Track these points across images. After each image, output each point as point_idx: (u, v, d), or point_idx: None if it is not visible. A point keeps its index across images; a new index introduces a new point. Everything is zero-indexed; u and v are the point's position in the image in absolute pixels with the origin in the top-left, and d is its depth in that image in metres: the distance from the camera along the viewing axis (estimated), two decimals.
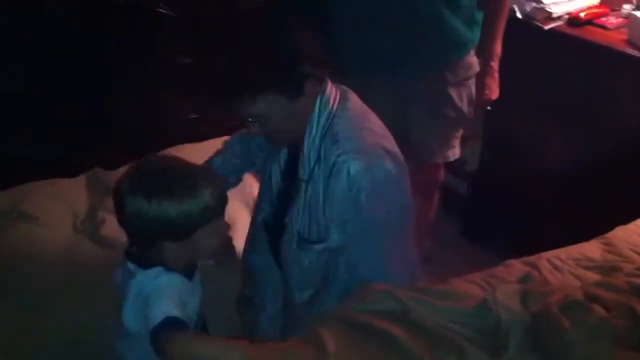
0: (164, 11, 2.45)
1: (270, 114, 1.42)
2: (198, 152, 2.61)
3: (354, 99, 1.49)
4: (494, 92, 1.99)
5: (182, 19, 2.50)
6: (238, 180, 1.81)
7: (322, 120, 1.44)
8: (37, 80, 2.34)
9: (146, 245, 1.38)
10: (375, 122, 1.48)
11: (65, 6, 2.29)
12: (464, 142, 2.74)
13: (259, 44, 1.42)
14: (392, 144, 1.46)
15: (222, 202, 1.38)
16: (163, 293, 1.33)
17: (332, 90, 1.47)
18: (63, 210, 2.36)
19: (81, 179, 2.49)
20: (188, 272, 1.42)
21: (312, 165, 1.44)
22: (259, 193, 1.73)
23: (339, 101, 1.46)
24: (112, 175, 2.52)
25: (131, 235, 1.40)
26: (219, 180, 1.41)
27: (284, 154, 1.57)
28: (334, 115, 1.44)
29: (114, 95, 2.50)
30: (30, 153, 2.42)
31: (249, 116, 1.44)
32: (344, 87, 1.50)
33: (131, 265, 1.41)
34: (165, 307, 1.28)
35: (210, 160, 1.80)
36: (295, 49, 1.43)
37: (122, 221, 1.38)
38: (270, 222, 1.60)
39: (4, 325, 1.93)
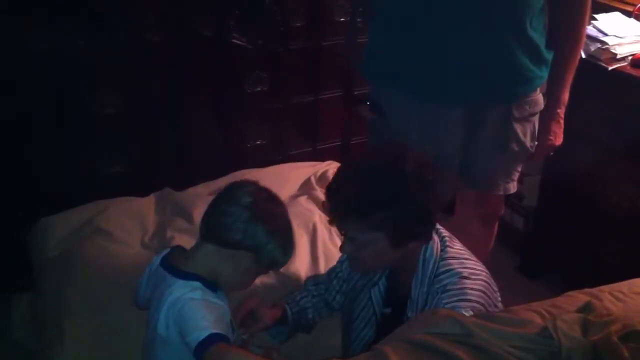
0: (239, 42, 2.57)
1: (368, 246, 1.51)
2: (262, 177, 2.72)
3: (450, 243, 1.59)
4: (558, 138, 2.02)
5: (256, 50, 2.61)
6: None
7: (428, 269, 1.55)
8: (123, 105, 2.48)
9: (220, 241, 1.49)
10: (469, 263, 1.57)
11: (159, 35, 2.44)
12: (521, 178, 2.77)
13: (407, 198, 1.46)
14: (482, 280, 1.55)
15: (276, 266, 1.56)
16: (199, 307, 1.40)
17: (434, 239, 1.57)
18: (133, 227, 2.46)
19: (151, 198, 2.59)
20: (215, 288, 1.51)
21: (419, 309, 1.55)
22: (349, 312, 1.76)
23: (440, 248, 1.57)
24: (180, 196, 2.63)
25: (211, 229, 1.51)
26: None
27: (382, 282, 1.66)
28: (438, 266, 1.54)
29: (187, 120, 2.62)
30: (107, 171, 2.55)
31: (350, 237, 1.53)
32: (440, 230, 1.60)
33: (167, 275, 1.50)
34: (206, 322, 1.37)
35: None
36: (429, 218, 1.51)
37: (215, 219, 1.50)
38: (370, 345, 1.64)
39: (76, 335, 2.01)
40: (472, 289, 1.50)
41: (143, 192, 2.60)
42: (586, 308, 1.42)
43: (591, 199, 2.50)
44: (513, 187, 2.03)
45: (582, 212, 2.55)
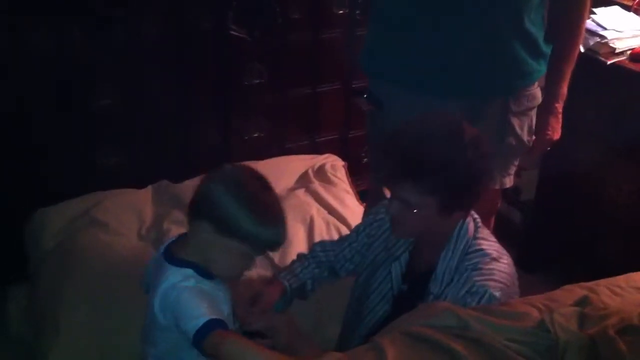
0: (237, 34, 2.56)
1: (416, 209, 1.51)
2: (259, 169, 2.71)
3: (482, 225, 1.62)
4: (556, 133, 2.02)
5: (254, 42, 2.59)
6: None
7: (460, 246, 1.56)
8: (121, 97, 2.48)
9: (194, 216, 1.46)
10: (497, 247, 1.60)
11: (157, 28, 2.44)
12: (518, 172, 2.77)
13: (463, 165, 1.48)
14: (508, 264, 1.58)
15: (271, 249, 1.51)
16: (194, 295, 1.39)
17: (469, 219, 1.59)
18: (130, 218, 2.47)
19: (149, 190, 2.60)
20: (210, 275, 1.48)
21: (444, 284, 1.55)
22: (363, 287, 1.76)
23: (474, 229, 1.59)
24: (178, 188, 2.62)
25: (197, 209, 1.47)
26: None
27: (404, 256, 1.66)
28: (470, 244, 1.56)
29: (185, 112, 2.61)
30: (104, 162, 2.54)
31: (401, 198, 1.52)
32: (474, 214, 1.62)
33: (164, 261, 1.48)
34: (202, 310, 1.36)
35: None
36: (477, 190, 1.54)
37: (202, 206, 1.46)
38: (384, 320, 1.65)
39: (71, 327, 2.02)
40: (500, 271, 1.53)
41: (140, 185, 2.60)
42: (583, 302, 1.43)
43: (588, 194, 2.50)
44: (509, 181, 2.03)
45: (580, 206, 2.55)
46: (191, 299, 1.39)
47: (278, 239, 1.48)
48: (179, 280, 1.42)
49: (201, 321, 1.34)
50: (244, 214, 1.42)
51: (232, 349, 1.31)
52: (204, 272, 1.46)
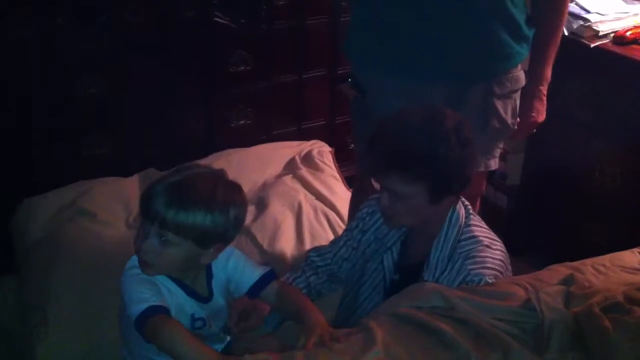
0: (222, 21, 2.55)
1: (406, 199, 1.51)
2: (247, 157, 2.73)
3: (473, 212, 1.63)
4: (540, 115, 2.03)
5: (239, 29, 2.59)
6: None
7: (453, 233, 1.57)
8: (106, 86, 2.46)
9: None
10: (488, 233, 1.61)
11: (141, 15, 2.42)
12: (504, 156, 2.78)
13: (447, 153, 1.48)
14: (501, 250, 1.60)
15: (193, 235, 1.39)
16: (138, 282, 1.39)
17: (460, 206, 1.60)
18: (118, 207, 2.46)
19: (135, 179, 2.59)
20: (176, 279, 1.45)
21: (437, 273, 1.56)
22: (356, 278, 1.75)
23: (465, 215, 1.60)
24: None
25: None
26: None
27: (396, 247, 1.66)
28: (462, 232, 1.58)
29: (170, 100, 2.60)
30: (90, 152, 2.53)
31: (389, 190, 1.53)
32: (463, 199, 1.63)
33: None
34: (145, 295, 1.36)
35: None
36: (465, 173, 1.54)
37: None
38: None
39: (59, 319, 2.02)
40: (493, 258, 1.55)
41: (127, 174, 2.59)
42: (568, 280, 1.45)
43: (574, 178, 2.52)
44: (494, 164, 2.04)
45: (565, 190, 2.57)
46: (136, 284, 1.39)
47: (184, 220, 1.36)
48: (128, 267, 1.43)
49: (143, 306, 1.34)
50: (157, 194, 1.36)
51: (167, 335, 1.31)
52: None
